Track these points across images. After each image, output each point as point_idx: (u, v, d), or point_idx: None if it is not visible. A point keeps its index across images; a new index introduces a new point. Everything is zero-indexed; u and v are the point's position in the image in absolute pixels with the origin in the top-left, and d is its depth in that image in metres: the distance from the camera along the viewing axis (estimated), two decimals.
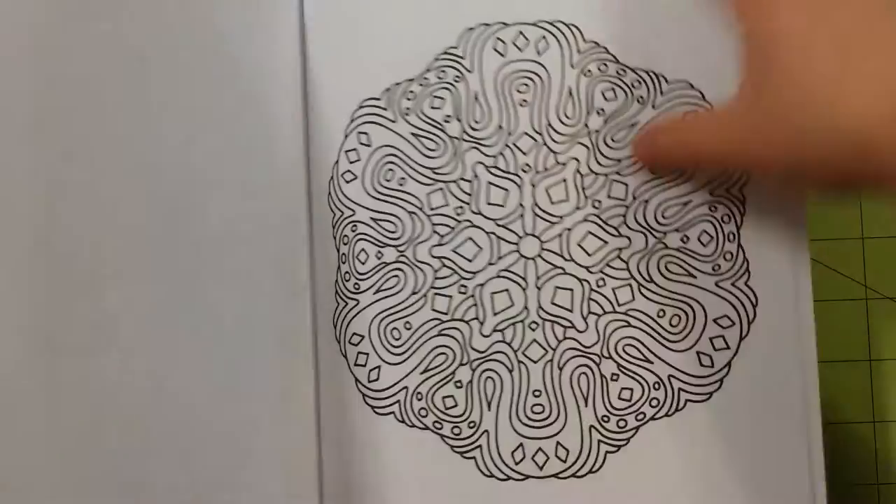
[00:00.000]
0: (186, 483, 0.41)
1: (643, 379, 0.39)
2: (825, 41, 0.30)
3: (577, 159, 0.40)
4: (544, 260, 0.40)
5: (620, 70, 0.39)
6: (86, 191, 0.42)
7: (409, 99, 0.41)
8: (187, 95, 0.42)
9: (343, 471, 0.41)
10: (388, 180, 0.41)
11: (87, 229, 0.42)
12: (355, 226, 0.41)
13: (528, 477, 0.39)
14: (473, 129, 0.40)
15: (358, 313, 0.41)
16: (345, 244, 0.41)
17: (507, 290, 0.40)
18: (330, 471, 0.41)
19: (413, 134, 0.41)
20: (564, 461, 0.39)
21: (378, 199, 0.41)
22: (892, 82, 0.29)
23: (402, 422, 0.40)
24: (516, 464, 0.39)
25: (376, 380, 0.41)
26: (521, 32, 0.40)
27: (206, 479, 0.41)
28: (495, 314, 0.40)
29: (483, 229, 0.40)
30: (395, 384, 0.41)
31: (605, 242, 0.39)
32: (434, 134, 0.41)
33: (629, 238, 0.39)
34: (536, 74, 0.40)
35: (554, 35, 0.40)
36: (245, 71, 0.42)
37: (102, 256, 0.42)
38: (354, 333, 0.41)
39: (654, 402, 0.39)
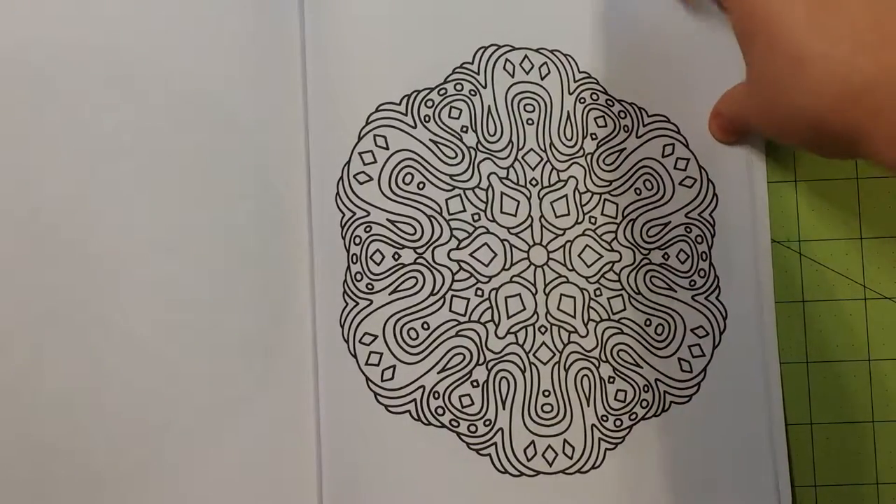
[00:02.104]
0: (186, 483, 0.40)
1: (634, 382, 0.42)
2: (792, 26, 0.34)
3: (575, 178, 0.43)
4: (551, 269, 0.42)
5: (609, 100, 0.43)
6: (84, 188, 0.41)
7: (428, 107, 0.42)
8: (187, 93, 0.42)
9: (350, 468, 0.40)
10: (406, 183, 0.42)
11: (84, 226, 0.41)
12: (369, 227, 0.42)
13: (539, 473, 0.41)
14: (487, 142, 0.42)
15: (371, 313, 0.41)
16: (356, 244, 0.41)
17: (519, 294, 0.42)
18: (333, 469, 0.40)
19: (432, 141, 0.42)
20: (571, 458, 0.41)
21: (396, 202, 0.42)
22: (843, 66, 0.32)
23: (418, 420, 0.41)
24: (528, 461, 0.41)
25: (391, 379, 0.41)
26: (526, 56, 0.43)
27: (206, 480, 0.40)
28: (509, 317, 0.42)
29: (497, 236, 0.42)
30: (412, 383, 0.41)
31: (601, 256, 0.42)
32: (452, 142, 0.42)
33: (620, 253, 0.43)
34: (540, 97, 0.43)
35: (554, 63, 0.43)
36: (245, 72, 0.42)
37: (104, 258, 0.41)
38: (367, 333, 0.41)
39: (644, 403, 0.42)
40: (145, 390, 0.40)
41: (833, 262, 0.42)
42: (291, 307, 0.41)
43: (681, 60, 0.43)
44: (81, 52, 0.41)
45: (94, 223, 0.41)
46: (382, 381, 0.41)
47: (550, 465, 0.41)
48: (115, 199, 0.41)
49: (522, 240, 0.42)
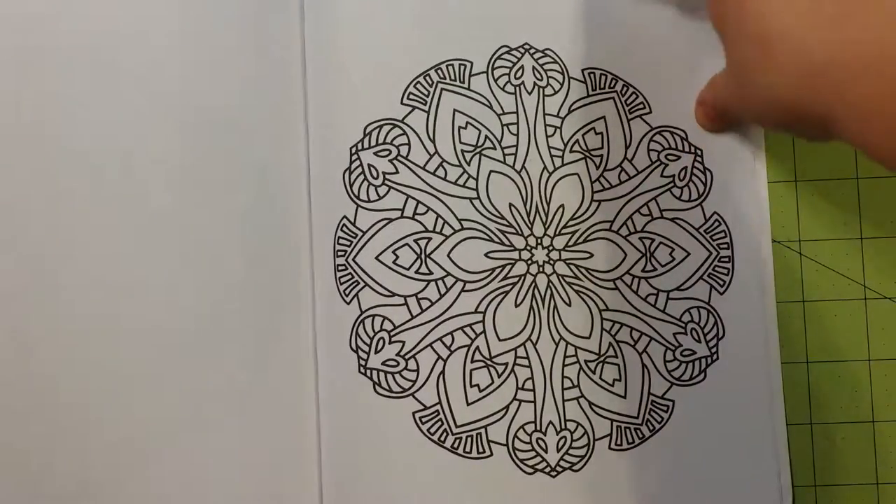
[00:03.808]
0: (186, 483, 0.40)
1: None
2: (761, 4, 0.32)
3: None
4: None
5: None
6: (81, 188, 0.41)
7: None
8: (191, 103, 0.42)
9: (350, 467, 0.41)
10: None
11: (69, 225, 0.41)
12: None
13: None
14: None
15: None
16: None
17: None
18: (334, 467, 0.41)
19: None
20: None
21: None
22: (804, 43, 0.31)
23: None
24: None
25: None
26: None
27: (206, 479, 0.40)
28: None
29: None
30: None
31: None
32: None
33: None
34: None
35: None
36: (246, 76, 0.42)
37: (102, 259, 0.41)
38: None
39: None
40: (145, 389, 0.40)
41: (833, 262, 0.42)
42: (291, 307, 0.42)
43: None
44: (83, 56, 0.42)
45: (93, 224, 0.41)
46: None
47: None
48: (115, 201, 0.41)
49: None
